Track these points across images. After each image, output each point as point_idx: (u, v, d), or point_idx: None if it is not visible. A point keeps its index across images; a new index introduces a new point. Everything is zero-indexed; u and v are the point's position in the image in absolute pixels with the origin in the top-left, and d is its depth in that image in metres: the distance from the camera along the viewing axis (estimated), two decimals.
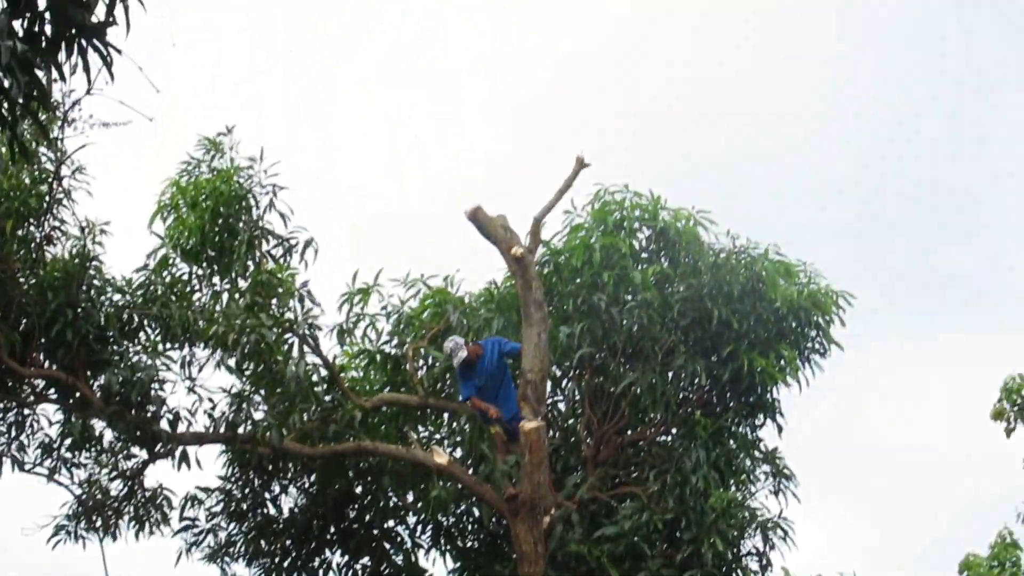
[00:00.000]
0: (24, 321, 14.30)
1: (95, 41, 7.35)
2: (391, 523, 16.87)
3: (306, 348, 15.49)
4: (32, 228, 14.64)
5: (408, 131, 38.21)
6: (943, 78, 39.50)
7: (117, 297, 15.09)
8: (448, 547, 16.65)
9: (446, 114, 38.68)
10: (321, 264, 16.04)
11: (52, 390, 14.91)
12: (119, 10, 7.28)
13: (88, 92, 7.96)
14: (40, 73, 7.28)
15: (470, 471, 15.32)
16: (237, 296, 15.72)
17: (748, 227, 19.11)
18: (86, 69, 7.43)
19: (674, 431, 15.58)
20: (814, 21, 38.80)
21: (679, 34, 39.38)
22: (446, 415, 16.58)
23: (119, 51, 7.51)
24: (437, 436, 16.88)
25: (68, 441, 15.13)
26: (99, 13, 7.28)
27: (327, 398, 15.86)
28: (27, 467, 15.24)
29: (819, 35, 38.89)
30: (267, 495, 16.71)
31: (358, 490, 16.73)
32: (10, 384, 14.69)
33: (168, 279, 15.81)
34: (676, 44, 39.42)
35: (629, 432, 15.74)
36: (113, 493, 15.86)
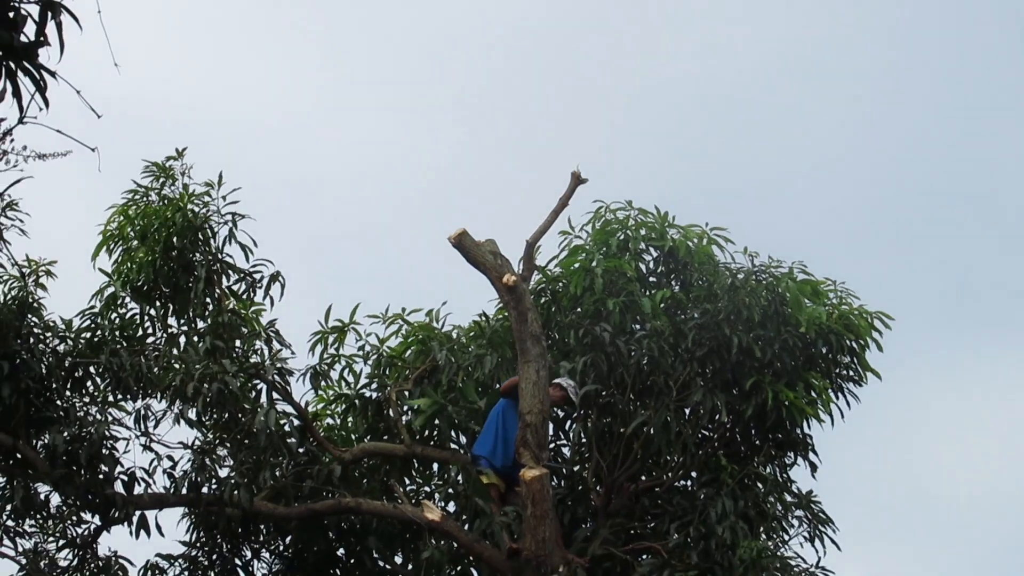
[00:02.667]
0: None
1: (25, 64, 7.15)
2: None
3: (276, 395, 15.27)
4: None
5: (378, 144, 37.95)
6: (985, 74, 39.25)
7: (60, 345, 14.90)
8: None
9: (412, 125, 38.47)
10: (290, 299, 15.88)
11: None
12: (51, 28, 7.07)
13: (20, 121, 7.74)
14: None
15: (465, 527, 15.04)
16: (196, 339, 15.52)
17: (769, 244, 18.83)
18: (16, 95, 7.23)
19: (693, 475, 15.32)
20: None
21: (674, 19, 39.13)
22: (436, 465, 16.33)
23: (53, 74, 7.32)
24: (427, 489, 16.58)
25: (10, 508, 14.81)
26: (29, 32, 7.08)
27: (301, 451, 15.60)
28: None
29: (844, 23, 38.71)
30: (237, 561, 16.34)
31: (340, 553, 16.35)
32: None
33: (117, 322, 15.60)
34: (674, 31, 39.17)
35: (643, 478, 15.46)
36: (62, 564, 15.55)
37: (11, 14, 7.03)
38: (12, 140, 11.63)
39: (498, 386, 15.34)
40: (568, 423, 16.14)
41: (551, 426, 15.04)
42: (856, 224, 38.42)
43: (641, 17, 38.43)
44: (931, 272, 37.89)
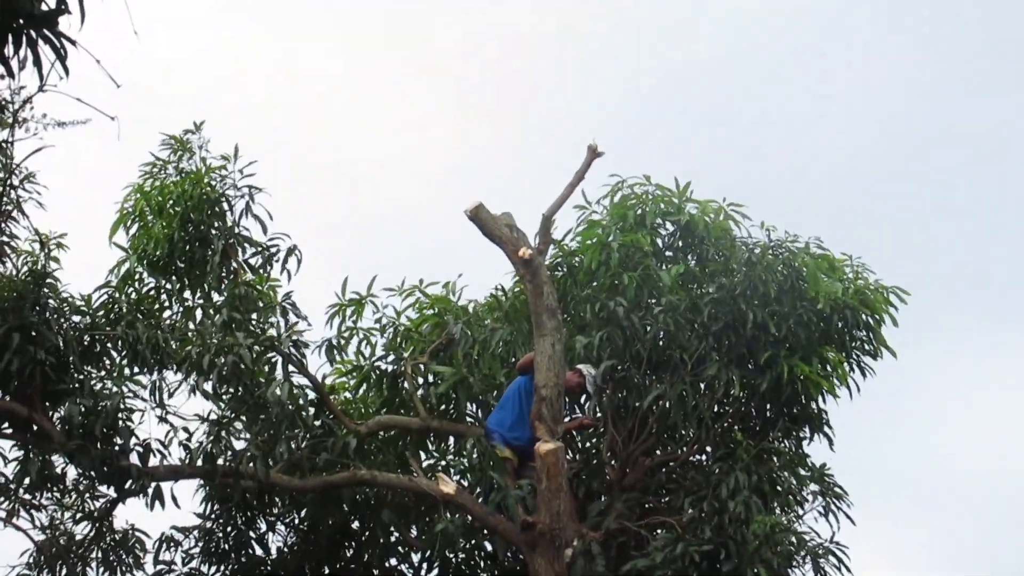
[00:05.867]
0: None
1: (46, 32, 7.23)
2: (393, 561, 16.64)
3: (291, 368, 15.36)
4: None
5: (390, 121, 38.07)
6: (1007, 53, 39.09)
7: (76, 318, 14.95)
8: None
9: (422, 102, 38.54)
10: (306, 274, 15.98)
11: (6, 424, 14.67)
12: None
13: (40, 89, 7.84)
14: None
15: (480, 500, 15.12)
16: (212, 312, 15.61)
17: (785, 220, 18.87)
18: (37, 63, 7.32)
19: (708, 450, 15.39)
20: None
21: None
22: (452, 439, 16.42)
23: (73, 42, 7.42)
24: (442, 463, 16.67)
25: (26, 481, 14.87)
26: (49, 0, 7.16)
27: (317, 423, 15.70)
28: None
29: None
30: (252, 534, 16.49)
31: (355, 526, 16.47)
32: None
33: (133, 296, 15.70)
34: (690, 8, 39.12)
35: (658, 452, 15.55)
36: (79, 537, 15.65)
37: None
38: (32, 108, 11.74)
39: (514, 361, 15.46)
40: (583, 397, 16.19)
41: (566, 400, 15.13)
42: (870, 200, 38.40)
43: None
44: (946, 251, 37.89)
